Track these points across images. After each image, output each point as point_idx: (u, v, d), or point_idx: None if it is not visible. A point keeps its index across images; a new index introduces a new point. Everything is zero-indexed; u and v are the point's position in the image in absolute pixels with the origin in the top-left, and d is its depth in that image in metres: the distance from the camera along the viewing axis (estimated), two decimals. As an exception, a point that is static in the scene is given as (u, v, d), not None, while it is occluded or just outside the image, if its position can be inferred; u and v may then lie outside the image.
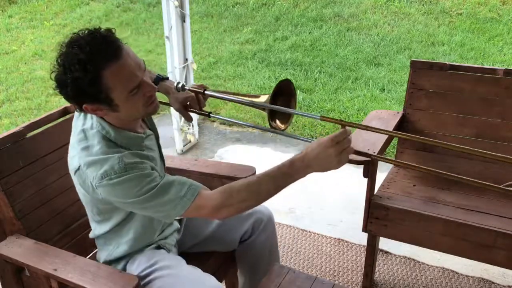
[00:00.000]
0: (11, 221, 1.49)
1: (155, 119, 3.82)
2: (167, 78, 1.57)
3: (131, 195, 1.19)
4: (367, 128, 1.21)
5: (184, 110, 1.52)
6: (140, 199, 1.19)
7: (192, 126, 3.49)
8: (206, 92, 1.48)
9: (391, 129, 2.03)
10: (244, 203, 1.24)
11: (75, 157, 1.25)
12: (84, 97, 1.16)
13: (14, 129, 1.54)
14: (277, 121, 1.35)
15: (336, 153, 1.14)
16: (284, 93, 1.33)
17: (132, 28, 6.34)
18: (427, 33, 5.45)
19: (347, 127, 1.19)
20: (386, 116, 2.16)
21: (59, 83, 1.15)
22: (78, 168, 1.23)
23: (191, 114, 1.56)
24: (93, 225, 1.43)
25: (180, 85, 1.48)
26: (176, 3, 3.02)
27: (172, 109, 3.31)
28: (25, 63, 5.43)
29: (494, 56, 4.78)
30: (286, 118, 1.36)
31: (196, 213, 1.25)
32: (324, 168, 1.18)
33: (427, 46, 5.15)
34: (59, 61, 1.14)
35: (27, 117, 4.07)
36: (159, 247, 1.47)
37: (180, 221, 1.61)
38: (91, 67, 1.10)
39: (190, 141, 3.48)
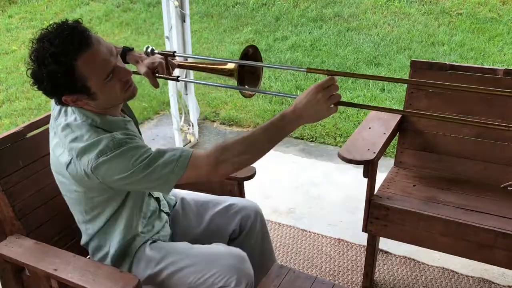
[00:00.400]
0: (11, 221, 1.49)
1: (155, 119, 3.82)
2: (133, 49, 1.55)
3: (130, 166, 1.19)
4: (353, 75, 1.23)
5: (152, 75, 1.46)
6: (139, 167, 1.19)
7: (192, 126, 3.49)
8: (175, 55, 1.46)
9: (391, 129, 2.04)
10: (240, 156, 1.23)
11: (64, 153, 1.25)
12: (61, 90, 1.18)
13: (14, 129, 1.54)
14: (246, 86, 1.38)
15: (324, 99, 1.14)
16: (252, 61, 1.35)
17: (132, 28, 6.34)
18: (427, 33, 5.45)
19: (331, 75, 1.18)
20: (386, 116, 2.15)
21: (35, 78, 1.18)
22: (70, 162, 1.23)
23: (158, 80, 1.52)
24: (83, 227, 1.42)
25: (149, 49, 1.47)
26: (176, 3, 3.02)
27: (172, 109, 3.31)
28: (25, 63, 5.42)
29: (494, 56, 4.77)
30: (255, 81, 1.40)
31: (194, 174, 1.23)
32: (315, 117, 1.17)
33: (427, 46, 5.15)
34: (32, 57, 1.17)
35: (27, 117, 4.07)
36: (154, 242, 1.47)
37: (168, 215, 1.60)
38: (64, 59, 1.13)
39: (190, 141, 3.48)
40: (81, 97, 1.21)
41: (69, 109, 1.29)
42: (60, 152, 1.27)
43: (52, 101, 1.31)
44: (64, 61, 1.13)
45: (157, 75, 1.46)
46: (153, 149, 1.25)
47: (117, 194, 1.33)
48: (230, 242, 1.63)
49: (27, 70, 1.19)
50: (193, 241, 1.51)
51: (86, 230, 1.43)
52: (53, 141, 1.32)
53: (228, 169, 1.24)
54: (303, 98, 1.17)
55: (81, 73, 1.15)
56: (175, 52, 1.47)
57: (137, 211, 1.41)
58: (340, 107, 1.19)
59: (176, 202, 1.65)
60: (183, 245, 1.46)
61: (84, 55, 1.14)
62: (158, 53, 1.47)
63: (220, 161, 1.22)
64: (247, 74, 1.38)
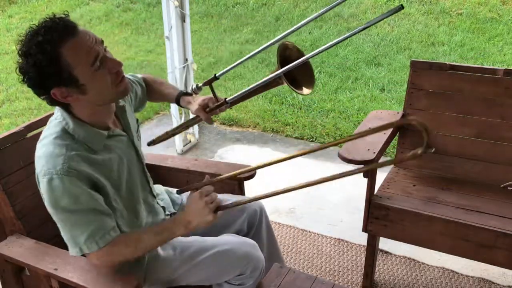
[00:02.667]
0: (11, 221, 1.49)
1: (155, 119, 3.82)
2: (190, 94, 1.57)
3: (54, 204, 1.19)
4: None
5: (203, 111, 1.48)
6: (62, 212, 1.20)
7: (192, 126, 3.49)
8: (228, 101, 1.43)
9: (391, 129, 2.03)
10: (126, 257, 1.28)
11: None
12: (48, 81, 1.15)
13: (14, 129, 1.54)
14: (304, 88, 1.35)
15: (204, 205, 1.25)
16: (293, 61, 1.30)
17: (132, 28, 6.34)
18: (427, 33, 5.45)
19: (210, 179, 1.36)
20: (386, 116, 2.16)
21: (22, 72, 1.16)
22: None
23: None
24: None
25: (194, 87, 1.49)
26: (176, 3, 3.02)
27: (172, 109, 3.32)
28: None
29: (494, 56, 4.78)
30: (308, 79, 1.36)
31: (90, 258, 1.28)
32: (201, 221, 1.26)
33: (427, 46, 5.15)
34: (19, 52, 1.15)
35: (27, 117, 4.07)
36: None
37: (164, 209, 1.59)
38: (48, 46, 1.11)
39: (190, 141, 3.48)
40: (70, 90, 1.18)
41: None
42: None
43: None
44: (48, 49, 1.11)
45: (207, 109, 1.47)
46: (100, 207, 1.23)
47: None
48: None
49: (16, 69, 1.18)
50: (202, 235, 1.53)
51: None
52: None
53: (107, 267, 1.30)
54: (189, 203, 1.28)
55: (66, 61, 1.13)
56: (226, 98, 1.43)
57: (136, 221, 1.41)
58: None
59: (182, 200, 1.66)
60: (195, 238, 1.47)
61: (69, 41, 1.13)
62: (212, 109, 1.47)
63: (105, 262, 1.27)
64: (296, 73, 1.34)
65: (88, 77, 1.16)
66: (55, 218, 1.23)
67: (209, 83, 1.47)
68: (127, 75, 1.50)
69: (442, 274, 2.19)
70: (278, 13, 6.35)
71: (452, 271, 2.21)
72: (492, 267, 2.15)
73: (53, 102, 1.21)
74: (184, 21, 3.18)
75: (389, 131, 2.01)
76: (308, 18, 1.27)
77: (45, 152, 1.20)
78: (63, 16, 1.18)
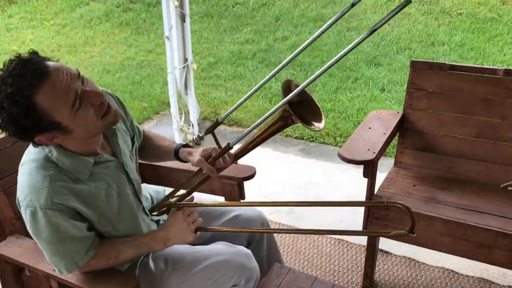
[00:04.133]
0: (11, 221, 1.49)
1: (155, 119, 3.82)
2: (191, 147, 1.49)
3: (35, 234, 1.20)
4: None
5: (205, 161, 1.31)
6: (43, 242, 1.21)
7: (192, 126, 3.49)
8: (231, 145, 1.26)
9: (391, 129, 2.03)
10: (105, 266, 1.30)
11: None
12: (29, 131, 1.08)
13: (14, 129, 1.54)
14: (314, 123, 1.21)
15: (187, 225, 1.29)
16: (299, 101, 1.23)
17: (132, 28, 6.34)
18: (427, 33, 5.45)
19: (193, 201, 1.36)
20: (386, 116, 2.16)
21: (1, 126, 1.08)
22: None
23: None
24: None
25: (195, 137, 1.38)
26: (176, 3, 3.02)
27: (172, 109, 3.31)
28: None
29: (494, 56, 4.78)
30: (314, 113, 1.23)
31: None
32: (181, 239, 1.31)
33: (427, 46, 5.15)
34: None
35: (27, 117, 4.06)
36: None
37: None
38: (20, 98, 1.02)
39: (190, 142, 3.48)
40: (54, 134, 1.11)
41: None
42: None
43: None
44: (21, 101, 1.01)
45: (210, 160, 1.31)
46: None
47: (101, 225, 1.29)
48: None
49: None
50: (193, 244, 1.49)
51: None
52: None
53: (89, 271, 1.30)
54: (171, 222, 1.30)
55: (43, 109, 1.04)
56: (229, 143, 1.25)
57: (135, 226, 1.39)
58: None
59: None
60: (188, 249, 1.43)
61: (42, 88, 1.02)
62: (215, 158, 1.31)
63: (86, 270, 1.28)
64: (301, 108, 1.21)
65: (70, 118, 1.08)
66: (37, 243, 1.24)
67: (211, 130, 1.33)
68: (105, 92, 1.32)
69: (442, 274, 2.19)
70: (278, 13, 6.35)
71: (452, 271, 2.21)
72: (492, 267, 2.15)
73: (38, 144, 1.16)
74: (184, 21, 3.18)
75: (389, 131, 2.01)
76: (327, 24, 1.14)
77: (28, 182, 1.15)
78: (31, 56, 1.07)
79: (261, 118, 1.19)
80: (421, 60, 2.12)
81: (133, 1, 7.10)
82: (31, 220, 1.17)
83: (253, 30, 5.94)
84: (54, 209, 1.14)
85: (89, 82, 1.13)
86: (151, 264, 1.39)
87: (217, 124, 1.33)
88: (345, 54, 0.99)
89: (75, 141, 1.18)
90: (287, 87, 1.22)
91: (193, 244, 1.44)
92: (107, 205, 1.26)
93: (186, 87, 3.47)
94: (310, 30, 5.78)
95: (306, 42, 1.14)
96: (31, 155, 1.20)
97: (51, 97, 1.04)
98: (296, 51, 1.16)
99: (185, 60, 3.30)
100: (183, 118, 3.44)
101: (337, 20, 1.07)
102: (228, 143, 1.26)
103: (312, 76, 1.04)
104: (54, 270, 1.28)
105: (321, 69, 1.01)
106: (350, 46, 1.00)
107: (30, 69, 1.02)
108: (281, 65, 1.22)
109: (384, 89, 4.23)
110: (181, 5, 3.10)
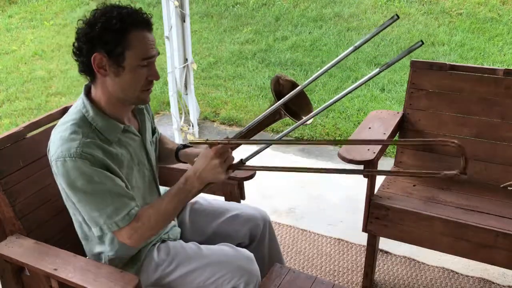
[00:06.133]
0: (11, 221, 1.49)
1: (155, 119, 3.82)
2: (190, 146, 1.55)
3: (70, 185, 1.21)
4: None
5: None
6: (79, 193, 1.21)
7: (192, 126, 3.49)
8: (244, 161, 1.34)
9: (391, 129, 2.04)
10: (152, 231, 1.30)
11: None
12: (102, 41, 1.19)
13: (14, 129, 1.54)
14: (302, 117, 1.32)
15: (220, 163, 1.25)
16: (287, 93, 1.30)
17: (132, 28, 6.34)
18: (427, 33, 5.45)
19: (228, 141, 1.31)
20: (386, 116, 2.16)
21: (90, 24, 1.21)
22: (48, 148, 1.27)
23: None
24: (89, 247, 1.40)
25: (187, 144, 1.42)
26: (176, 3, 3.02)
27: (172, 109, 3.31)
28: (25, 63, 5.43)
29: (494, 56, 4.78)
30: (305, 108, 1.33)
31: (116, 236, 1.29)
32: (213, 175, 1.27)
33: (427, 46, 5.15)
34: (91, 15, 1.22)
35: (27, 117, 4.07)
36: (163, 241, 1.47)
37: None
38: (128, 20, 1.18)
39: (190, 141, 3.48)
40: (110, 65, 1.21)
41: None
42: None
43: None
44: (127, 22, 1.18)
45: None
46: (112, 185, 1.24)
47: None
48: None
49: (78, 20, 1.24)
50: (201, 244, 1.51)
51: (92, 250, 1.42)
52: None
53: (141, 243, 1.32)
54: (202, 161, 1.27)
55: (129, 41, 1.19)
56: (242, 159, 1.34)
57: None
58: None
59: (185, 206, 1.64)
60: (192, 245, 1.45)
61: (141, 30, 1.21)
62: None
63: (135, 239, 1.27)
64: (293, 104, 1.32)
65: (132, 65, 1.21)
66: (73, 199, 1.25)
67: (235, 167, 1.33)
68: None
69: (442, 274, 2.19)
70: (278, 13, 6.35)
71: (452, 271, 2.21)
72: (492, 267, 2.15)
73: (84, 66, 1.24)
74: (184, 21, 3.18)
75: (389, 131, 2.01)
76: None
77: (61, 136, 1.22)
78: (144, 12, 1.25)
79: (256, 119, 1.30)
80: (421, 60, 2.12)
81: (133, 1, 7.11)
82: (63, 171, 1.19)
83: (253, 30, 5.94)
84: (84, 158, 1.18)
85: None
86: (155, 254, 1.41)
87: (240, 163, 1.35)
88: (330, 67, 1.07)
89: (106, 94, 1.26)
90: (277, 82, 1.30)
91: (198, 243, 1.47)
92: (127, 175, 1.31)
93: (186, 87, 3.47)
94: (310, 30, 5.78)
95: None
96: (69, 116, 1.27)
97: (140, 41, 1.21)
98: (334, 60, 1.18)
99: (185, 60, 3.30)
100: (183, 118, 3.45)
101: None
102: (241, 159, 1.33)
103: (306, 81, 1.10)
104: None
105: (310, 78, 1.08)
106: (334, 61, 1.09)
107: (143, 16, 1.23)
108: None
109: (384, 89, 4.23)
110: (181, 5, 3.10)
